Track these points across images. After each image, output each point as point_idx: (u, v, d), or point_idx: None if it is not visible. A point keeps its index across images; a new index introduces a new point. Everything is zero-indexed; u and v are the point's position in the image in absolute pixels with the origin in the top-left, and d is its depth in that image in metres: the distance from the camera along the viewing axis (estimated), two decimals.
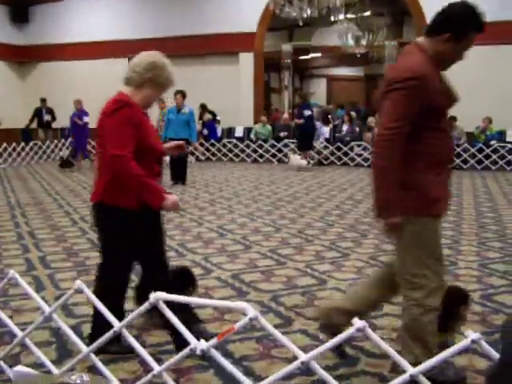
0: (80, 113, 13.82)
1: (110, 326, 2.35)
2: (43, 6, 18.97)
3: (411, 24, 17.06)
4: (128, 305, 3.90)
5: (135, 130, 2.89)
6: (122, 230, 3.00)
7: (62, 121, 17.99)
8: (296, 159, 13.59)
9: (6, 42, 18.80)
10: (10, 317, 3.46)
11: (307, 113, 13.61)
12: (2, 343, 3.23)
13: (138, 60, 3.10)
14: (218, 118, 16.67)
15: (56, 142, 16.78)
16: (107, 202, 2.98)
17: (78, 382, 0.93)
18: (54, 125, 17.67)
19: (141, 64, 3.05)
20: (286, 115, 16.88)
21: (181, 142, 3.49)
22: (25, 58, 19.20)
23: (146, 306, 2.21)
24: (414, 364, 2.60)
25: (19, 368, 2.65)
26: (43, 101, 16.64)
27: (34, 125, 16.65)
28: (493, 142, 13.67)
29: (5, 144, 15.27)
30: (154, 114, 16.58)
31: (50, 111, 16.69)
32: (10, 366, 2.73)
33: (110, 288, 3.07)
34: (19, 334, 2.60)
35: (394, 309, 3.82)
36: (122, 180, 2.88)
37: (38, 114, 16.52)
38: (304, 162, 13.57)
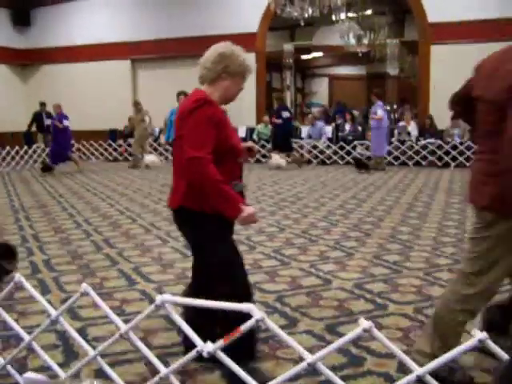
0: (60, 116, 13.68)
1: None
2: (45, 9, 19.01)
3: (413, 22, 17.04)
4: (132, 307, 3.92)
5: (215, 129, 2.71)
6: (211, 234, 2.80)
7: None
8: (276, 159, 13.80)
9: (7, 45, 18.84)
10: (16, 320, 3.47)
11: (285, 114, 13.86)
12: (8, 346, 3.24)
13: (207, 55, 2.91)
14: None
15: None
16: (189, 206, 2.78)
17: None
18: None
19: (209, 58, 2.87)
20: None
21: (252, 144, 3.33)
22: (27, 60, 19.24)
23: (151, 307, 2.21)
24: (428, 355, 2.61)
25: (29, 374, 2.65)
26: (42, 105, 16.53)
27: (34, 128, 16.58)
28: None
29: (8, 147, 15.31)
30: (157, 114, 16.64)
31: (50, 115, 16.69)
32: (18, 371, 2.74)
33: (236, 288, 2.80)
34: (26, 337, 2.61)
35: (399, 308, 3.83)
36: (198, 184, 2.68)
37: (37, 118, 16.41)
38: (283, 162, 13.76)
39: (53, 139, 13.91)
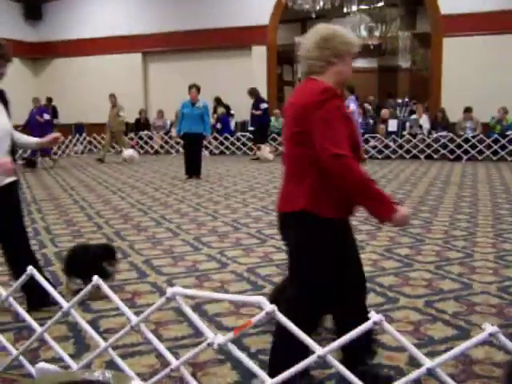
0: (40, 110, 13.54)
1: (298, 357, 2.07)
2: (56, 3, 19.04)
3: (425, 15, 16.91)
4: (143, 299, 3.94)
5: (345, 123, 2.45)
6: (326, 244, 2.54)
7: (76, 116, 18.14)
8: (266, 152, 13.96)
9: (19, 38, 18.89)
10: (29, 312, 3.50)
11: (263, 106, 14.02)
12: (20, 338, 3.27)
13: (308, 44, 2.57)
14: (232, 111, 16.68)
15: (70, 137, 16.89)
16: (311, 210, 2.48)
17: (100, 378, 0.94)
18: (67, 121, 17.82)
19: (312, 46, 2.54)
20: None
21: None
22: (38, 54, 19.30)
23: (162, 300, 2.22)
24: None
25: (41, 365, 2.68)
26: (49, 100, 16.71)
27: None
28: (509, 133, 13.53)
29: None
30: (168, 107, 16.66)
31: (54, 109, 16.76)
32: (30, 361, 2.77)
33: (301, 319, 2.32)
34: (38, 329, 2.63)
35: (410, 301, 3.82)
36: (343, 184, 2.42)
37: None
38: (271, 156, 13.98)
39: (33, 133, 13.68)
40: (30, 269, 2.58)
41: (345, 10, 16.43)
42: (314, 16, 14.82)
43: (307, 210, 2.48)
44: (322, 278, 2.55)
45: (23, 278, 2.63)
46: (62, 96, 18.14)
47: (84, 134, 17.61)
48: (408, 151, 14.16)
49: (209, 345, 2.07)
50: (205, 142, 12.23)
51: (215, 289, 4.16)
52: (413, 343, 3.00)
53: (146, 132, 16.93)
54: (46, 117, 13.55)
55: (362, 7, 19.10)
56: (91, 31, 18.50)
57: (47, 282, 2.62)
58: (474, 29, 14.25)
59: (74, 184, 10.32)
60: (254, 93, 14.28)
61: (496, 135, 13.55)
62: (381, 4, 19.58)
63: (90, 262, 4.01)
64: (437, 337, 3.25)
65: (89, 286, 2.43)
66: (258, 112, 14.06)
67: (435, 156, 13.88)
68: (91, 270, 3.57)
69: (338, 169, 2.37)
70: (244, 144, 15.85)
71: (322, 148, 2.37)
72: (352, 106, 12.91)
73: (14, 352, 2.74)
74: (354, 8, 17.61)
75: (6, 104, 3.74)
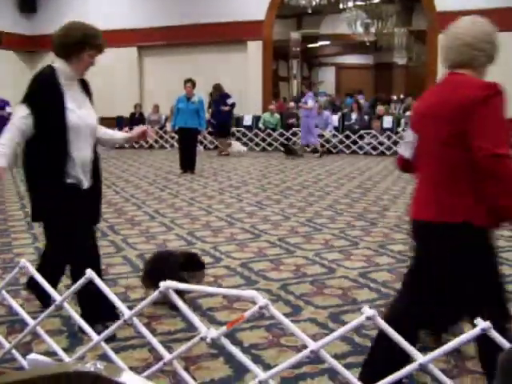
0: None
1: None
2: None
3: (421, 11, 16.92)
4: (137, 293, 3.93)
5: (506, 123, 2.21)
6: (483, 257, 2.33)
7: None
8: (237, 146, 14.20)
9: (14, 31, 18.80)
10: (22, 305, 3.49)
11: (230, 101, 14.01)
12: (13, 331, 3.26)
13: (474, 33, 2.36)
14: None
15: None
16: (470, 220, 2.23)
17: (92, 369, 0.93)
18: None
19: (480, 38, 2.36)
20: (291, 103, 16.81)
21: None
22: (33, 47, 19.21)
23: (155, 294, 2.22)
24: None
25: (33, 356, 2.67)
26: None
27: None
28: None
29: None
30: (164, 102, 16.63)
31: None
32: (23, 355, 2.76)
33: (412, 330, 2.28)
34: (31, 322, 2.62)
35: None
36: (496, 188, 2.17)
37: None
38: (244, 148, 14.23)
39: None
40: (23, 262, 2.57)
41: (341, 5, 16.44)
42: (310, 11, 14.81)
43: (467, 221, 2.24)
44: (484, 294, 2.36)
45: (15, 270, 2.62)
46: None
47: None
48: None
49: (202, 339, 2.07)
50: (200, 137, 12.22)
51: (209, 283, 4.16)
52: None
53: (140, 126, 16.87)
54: (8, 109, 11.84)
55: (358, 3, 19.10)
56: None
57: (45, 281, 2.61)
58: None
59: None
60: (218, 88, 14.15)
61: None
62: (377, 0, 19.58)
63: (168, 270, 3.52)
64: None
65: (81, 280, 2.42)
66: (227, 108, 13.94)
67: None
68: (168, 279, 3.17)
69: (497, 170, 2.13)
70: (239, 139, 15.83)
71: (480, 148, 2.15)
72: (310, 102, 13.31)
73: (7, 345, 2.73)
74: (350, 4, 17.60)
75: (90, 96, 3.56)
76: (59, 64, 3.26)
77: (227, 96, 14.13)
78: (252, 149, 15.59)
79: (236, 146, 14.26)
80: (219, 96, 14.17)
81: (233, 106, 14.14)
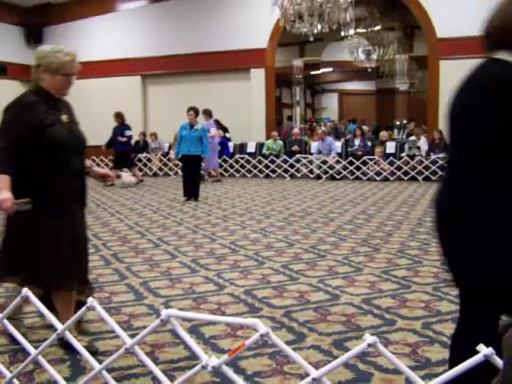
0: None
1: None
2: (56, 27, 19.23)
3: (421, 38, 17.09)
4: (140, 321, 3.92)
5: None
6: None
7: None
8: (127, 177, 13.89)
9: (21, 62, 19.06)
10: (24, 334, 3.48)
11: (128, 133, 13.89)
12: (15, 361, 3.25)
13: None
14: (228, 135, 16.69)
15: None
16: None
17: None
18: None
19: None
20: (296, 130, 16.91)
21: None
22: None
23: (157, 322, 2.21)
24: None
25: None
26: None
27: None
28: None
29: None
30: (167, 129, 16.73)
31: None
32: None
33: None
34: (32, 351, 2.62)
35: (407, 323, 3.81)
36: None
37: None
38: (134, 180, 13.95)
39: None
40: (25, 291, 2.56)
41: (342, 33, 16.55)
42: (311, 39, 14.94)
43: None
44: None
45: (18, 299, 2.62)
46: None
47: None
48: (406, 173, 14.20)
49: (203, 367, 2.06)
50: (203, 164, 12.27)
51: (212, 311, 4.15)
52: (410, 365, 3.00)
53: (144, 154, 16.98)
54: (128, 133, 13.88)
55: (360, 31, 19.29)
56: (90, 54, 18.63)
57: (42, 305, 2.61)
58: (469, 52, 14.33)
59: None
60: (120, 116, 14.00)
61: None
62: (378, 28, 19.79)
63: None
64: (434, 359, 3.23)
65: (83, 309, 2.42)
66: (124, 139, 13.81)
67: (433, 178, 13.92)
68: None
69: None
70: (243, 166, 15.89)
71: None
72: (213, 130, 13.89)
73: (8, 375, 2.72)
74: (352, 31, 17.75)
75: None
76: None
77: (127, 127, 13.95)
78: (256, 175, 15.64)
79: (125, 177, 13.82)
80: (119, 125, 13.97)
81: (130, 138, 13.97)
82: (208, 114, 13.97)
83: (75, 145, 3.39)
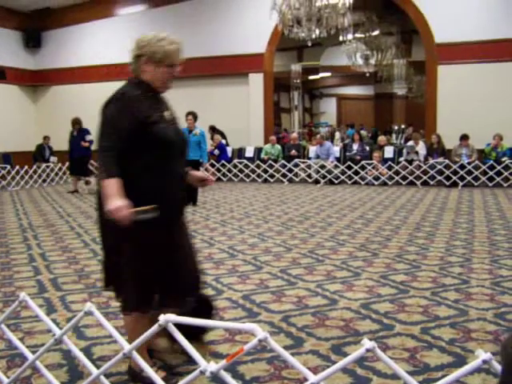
0: None
1: None
2: (55, 31, 19.27)
3: (420, 43, 17.13)
4: None
5: None
6: None
7: None
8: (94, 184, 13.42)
9: (19, 66, 19.09)
10: (22, 339, 3.48)
11: (89, 137, 13.46)
12: (13, 365, 3.24)
13: None
14: (223, 141, 16.68)
15: (68, 164, 16.96)
16: None
17: None
18: (66, 147, 17.87)
19: None
20: (295, 134, 16.93)
21: None
22: (38, 81, 19.45)
23: (155, 327, 2.21)
24: None
25: None
26: (45, 138, 17.04)
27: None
28: (504, 159, 13.63)
29: (17, 167, 15.43)
30: None
31: (50, 149, 16.98)
32: None
33: None
34: (30, 356, 2.61)
35: (406, 328, 3.80)
36: None
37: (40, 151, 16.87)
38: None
39: None
40: (23, 295, 2.56)
41: (340, 38, 16.62)
42: (309, 44, 14.98)
43: None
44: None
45: (15, 303, 2.61)
46: (61, 123, 18.21)
47: None
48: (404, 177, 14.22)
49: (201, 372, 2.06)
50: (202, 169, 12.25)
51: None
52: (408, 370, 3.00)
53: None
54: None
55: (358, 36, 19.34)
56: (90, 59, 18.68)
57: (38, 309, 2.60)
58: (467, 57, 14.44)
59: (71, 210, 10.31)
60: (78, 122, 13.65)
61: (491, 161, 13.63)
62: (376, 33, 19.83)
63: None
64: (433, 364, 3.23)
65: (81, 314, 2.41)
66: (87, 144, 13.48)
67: (431, 182, 13.93)
68: None
69: None
70: (241, 171, 15.90)
71: None
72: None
73: (6, 380, 2.71)
74: (350, 36, 17.80)
75: None
76: None
77: (87, 132, 13.56)
78: (254, 180, 15.64)
79: (94, 183, 13.18)
80: (78, 131, 13.59)
81: (91, 143, 13.50)
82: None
83: (181, 145, 3.03)
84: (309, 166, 15.48)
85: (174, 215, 3.00)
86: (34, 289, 4.95)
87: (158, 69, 2.95)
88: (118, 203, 2.66)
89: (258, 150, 16.36)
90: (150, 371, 2.29)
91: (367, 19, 18.99)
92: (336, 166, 15.04)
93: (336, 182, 14.80)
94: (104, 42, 18.51)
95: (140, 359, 2.30)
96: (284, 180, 15.25)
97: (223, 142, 16.58)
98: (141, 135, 2.80)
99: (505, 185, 13.33)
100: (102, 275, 3.06)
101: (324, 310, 4.24)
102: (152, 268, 2.87)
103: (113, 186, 2.70)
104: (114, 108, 2.87)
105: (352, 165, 14.77)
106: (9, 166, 15.71)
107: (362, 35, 19.84)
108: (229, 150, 16.72)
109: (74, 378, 3.10)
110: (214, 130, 16.45)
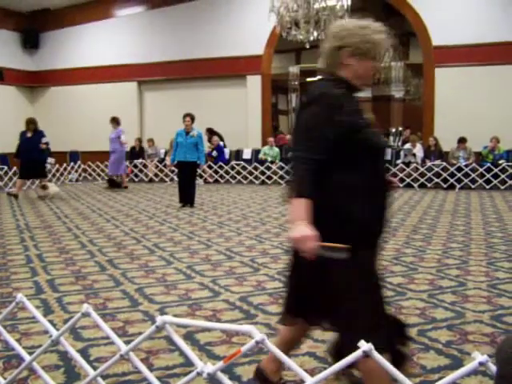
0: None
1: None
2: (53, 33, 19.27)
3: (417, 46, 17.15)
4: (135, 328, 3.91)
5: None
6: None
7: (71, 144, 18.19)
8: (52, 187, 12.94)
9: (17, 67, 19.08)
10: (18, 340, 3.47)
11: (45, 139, 13.12)
12: (9, 367, 3.24)
13: None
14: (221, 143, 16.69)
15: (65, 165, 16.94)
16: None
17: None
18: (62, 148, 17.86)
19: None
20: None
21: None
22: (36, 82, 19.45)
23: (152, 329, 2.21)
24: None
25: None
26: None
27: None
28: (501, 162, 13.66)
29: (14, 168, 15.40)
30: (163, 136, 16.74)
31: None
32: None
33: None
34: (27, 357, 2.61)
35: None
36: None
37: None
38: (58, 189, 13.05)
39: None
40: (20, 296, 2.55)
41: None
42: (307, 46, 14.99)
43: None
44: None
45: (12, 305, 2.61)
46: (58, 124, 18.21)
47: (79, 162, 17.65)
48: (402, 180, 14.23)
49: (198, 374, 2.06)
50: (199, 171, 12.25)
51: (207, 317, 4.14)
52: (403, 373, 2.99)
53: (140, 160, 16.99)
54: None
55: None
56: (88, 60, 18.68)
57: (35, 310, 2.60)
58: (464, 60, 14.47)
59: (68, 212, 10.30)
60: (33, 122, 13.14)
61: (489, 164, 13.66)
62: None
63: None
64: (429, 366, 3.23)
65: (78, 315, 2.41)
66: (44, 146, 13.02)
67: (429, 185, 13.95)
68: None
69: None
70: (238, 172, 15.90)
71: None
72: (123, 137, 14.40)
73: (2, 382, 2.71)
74: None
75: None
76: None
77: (42, 134, 13.07)
78: (251, 182, 15.65)
79: (53, 187, 12.96)
80: (34, 132, 13.01)
81: (47, 144, 13.23)
82: (116, 121, 14.20)
83: (385, 152, 2.66)
84: None
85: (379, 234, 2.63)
86: (31, 290, 4.94)
87: (362, 63, 2.45)
88: (304, 231, 2.25)
89: (256, 152, 16.37)
90: None
91: None
92: None
93: None
94: (102, 43, 18.53)
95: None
96: (281, 182, 15.26)
97: (221, 143, 16.59)
98: (348, 144, 2.35)
99: (502, 187, 13.36)
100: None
101: None
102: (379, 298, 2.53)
103: (302, 207, 2.26)
104: (315, 111, 2.35)
105: None
106: (6, 167, 15.67)
107: None
108: (226, 151, 16.73)
109: (71, 379, 3.10)
110: (211, 132, 16.45)
